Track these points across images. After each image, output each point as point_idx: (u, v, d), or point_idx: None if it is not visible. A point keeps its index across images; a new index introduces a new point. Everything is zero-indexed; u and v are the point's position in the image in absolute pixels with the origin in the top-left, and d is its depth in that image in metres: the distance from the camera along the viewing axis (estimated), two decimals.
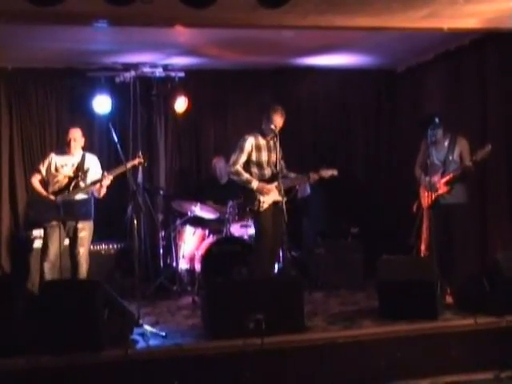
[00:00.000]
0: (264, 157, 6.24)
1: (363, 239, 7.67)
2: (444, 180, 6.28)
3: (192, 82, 8.33)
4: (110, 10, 4.65)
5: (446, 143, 6.40)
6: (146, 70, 7.93)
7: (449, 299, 5.74)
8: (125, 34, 6.47)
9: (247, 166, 6.22)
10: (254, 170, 6.23)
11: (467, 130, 7.01)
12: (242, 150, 6.20)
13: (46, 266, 5.97)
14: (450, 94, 7.58)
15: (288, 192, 7.16)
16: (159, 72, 7.99)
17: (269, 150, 6.29)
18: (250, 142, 6.21)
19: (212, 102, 8.54)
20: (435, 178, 6.26)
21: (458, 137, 6.43)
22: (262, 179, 6.20)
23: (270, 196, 6.14)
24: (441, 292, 5.42)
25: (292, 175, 6.47)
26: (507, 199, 6.78)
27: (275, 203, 6.18)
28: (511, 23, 5.91)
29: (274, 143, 6.25)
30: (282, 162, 6.42)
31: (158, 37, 6.65)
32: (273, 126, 6.16)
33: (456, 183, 6.29)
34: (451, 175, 6.26)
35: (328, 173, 6.41)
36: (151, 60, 7.80)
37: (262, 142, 6.27)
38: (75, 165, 6.33)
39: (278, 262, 7.22)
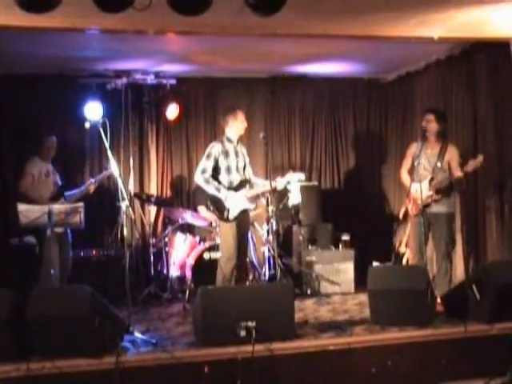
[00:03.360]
0: (232, 162, 6.23)
1: (354, 247, 7.68)
2: (432, 189, 6.28)
3: (184, 89, 8.34)
4: (102, 17, 4.64)
5: (438, 149, 6.41)
6: (138, 76, 7.93)
7: (439, 307, 5.75)
8: (116, 41, 6.47)
9: (215, 172, 6.19)
10: (223, 176, 6.20)
11: (458, 139, 7.07)
12: (209, 157, 6.19)
13: (53, 272, 5.98)
14: (440, 103, 7.61)
15: (278, 200, 7.22)
16: (151, 79, 8.00)
17: (236, 156, 6.30)
18: (216, 149, 6.21)
19: (203, 109, 8.55)
20: (423, 186, 6.24)
21: (449, 144, 6.46)
22: (230, 186, 6.20)
23: (239, 204, 6.13)
24: (431, 300, 5.43)
25: (259, 182, 6.48)
26: (497, 208, 6.80)
27: (244, 211, 6.21)
28: (499, 32, 5.95)
29: (242, 148, 6.38)
30: (250, 169, 6.47)
31: (149, 44, 6.65)
32: (236, 131, 6.28)
33: (444, 192, 6.31)
34: (440, 184, 6.27)
35: (295, 177, 6.42)
36: (143, 67, 7.81)
37: (230, 147, 6.28)
38: (54, 173, 6.70)
39: (269, 270, 7.25)
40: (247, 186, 6.29)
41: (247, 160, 6.45)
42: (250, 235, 7.19)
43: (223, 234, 6.23)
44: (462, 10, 5.43)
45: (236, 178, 6.25)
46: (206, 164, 6.17)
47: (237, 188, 6.22)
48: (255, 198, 6.47)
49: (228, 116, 6.32)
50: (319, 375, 4.77)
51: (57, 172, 6.88)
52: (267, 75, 8.58)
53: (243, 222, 6.25)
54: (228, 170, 6.22)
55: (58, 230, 6.10)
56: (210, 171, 6.15)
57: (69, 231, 6.64)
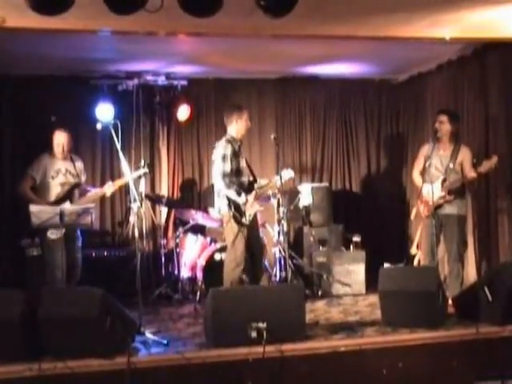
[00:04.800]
0: (242, 163, 6.12)
1: (365, 248, 7.66)
2: (444, 190, 6.26)
3: (195, 90, 8.36)
4: (114, 19, 4.66)
5: (450, 150, 6.39)
6: (149, 78, 7.95)
7: (450, 308, 5.73)
8: (128, 42, 6.49)
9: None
10: (234, 178, 6.02)
11: (469, 139, 7.04)
12: (225, 159, 5.97)
13: (58, 274, 5.98)
14: (452, 104, 7.58)
15: (289, 201, 7.17)
16: (162, 80, 8.01)
17: (241, 156, 6.17)
18: (229, 149, 6.01)
19: (214, 110, 8.55)
20: (435, 187, 6.22)
21: (462, 145, 6.44)
22: (242, 188, 6.06)
23: (253, 207, 6.07)
24: (442, 301, 5.41)
25: (262, 182, 6.40)
26: (509, 209, 6.77)
27: (255, 214, 6.16)
28: (511, 33, 5.93)
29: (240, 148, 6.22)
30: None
31: (160, 45, 6.67)
32: (240, 130, 6.15)
33: (456, 193, 6.29)
34: (452, 185, 6.25)
35: (286, 174, 6.35)
36: (154, 68, 7.83)
37: (236, 146, 6.11)
38: (70, 170, 6.43)
39: (280, 271, 7.24)
40: (254, 187, 6.19)
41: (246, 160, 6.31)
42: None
43: (234, 240, 5.98)
44: (474, 11, 5.42)
45: (245, 180, 6.15)
46: (224, 167, 5.94)
47: (248, 190, 6.11)
48: (259, 199, 6.36)
49: (233, 114, 6.12)
50: (330, 376, 4.76)
51: (78, 169, 6.56)
52: (278, 76, 8.58)
53: (254, 225, 6.19)
54: (238, 171, 6.06)
55: (55, 236, 6.01)
56: (229, 174, 5.96)
57: (79, 235, 6.50)
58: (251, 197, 6.08)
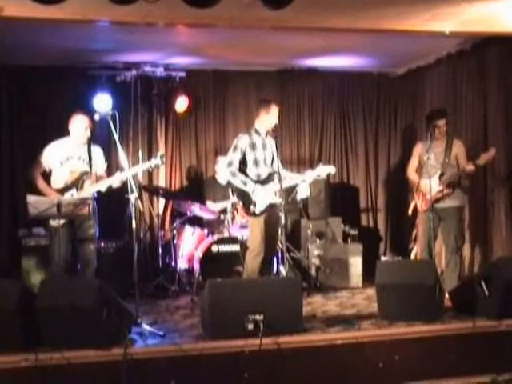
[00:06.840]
0: (260, 155, 6.12)
1: (362, 241, 7.67)
2: (442, 184, 6.27)
3: (193, 81, 8.35)
4: (112, 9, 4.65)
5: (444, 145, 6.40)
6: (147, 69, 7.93)
7: (447, 302, 5.74)
8: (126, 33, 6.47)
9: (243, 165, 6.09)
10: (250, 169, 6.10)
11: (467, 133, 7.04)
12: (236, 150, 6.08)
13: (54, 266, 5.93)
14: (451, 97, 7.58)
15: (286, 194, 7.14)
16: (160, 71, 8.00)
17: (264, 148, 6.17)
18: (244, 141, 6.08)
19: (213, 102, 8.55)
20: (433, 182, 6.22)
21: (455, 139, 6.45)
22: (258, 179, 6.10)
23: (267, 198, 6.06)
24: (439, 295, 5.42)
25: (288, 175, 6.35)
26: (506, 204, 6.78)
27: (271, 205, 6.11)
28: (510, 27, 5.93)
29: (270, 141, 6.21)
30: (278, 162, 6.16)
31: (159, 36, 6.65)
32: (266, 125, 6.13)
33: (454, 186, 6.29)
34: (449, 179, 6.25)
35: (325, 170, 6.34)
36: (152, 59, 7.81)
37: (257, 139, 6.15)
38: (84, 158, 6.10)
39: (277, 264, 7.24)
40: (276, 179, 6.08)
41: (275, 153, 6.20)
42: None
43: (251, 229, 6.12)
44: (474, 5, 5.42)
45: (264, 171, 6.14)
46: (232, 157, 6.06)
47: (265, 181, 6.11)
48: (286, 193, 6.32)
49: (260, 109, 6.17)
50: (326, 369, 4.76)
51: (96, 157, 6.16)
52: (277, 68, 8.57)
53: (272, 216, 6.13)
54: (255, 162, 6.10)
55: (56, 223, 5.77)
56: (236, 164, 6.04)
57: (96, 225, 6.20)
58: (267, 188, 6.07)
